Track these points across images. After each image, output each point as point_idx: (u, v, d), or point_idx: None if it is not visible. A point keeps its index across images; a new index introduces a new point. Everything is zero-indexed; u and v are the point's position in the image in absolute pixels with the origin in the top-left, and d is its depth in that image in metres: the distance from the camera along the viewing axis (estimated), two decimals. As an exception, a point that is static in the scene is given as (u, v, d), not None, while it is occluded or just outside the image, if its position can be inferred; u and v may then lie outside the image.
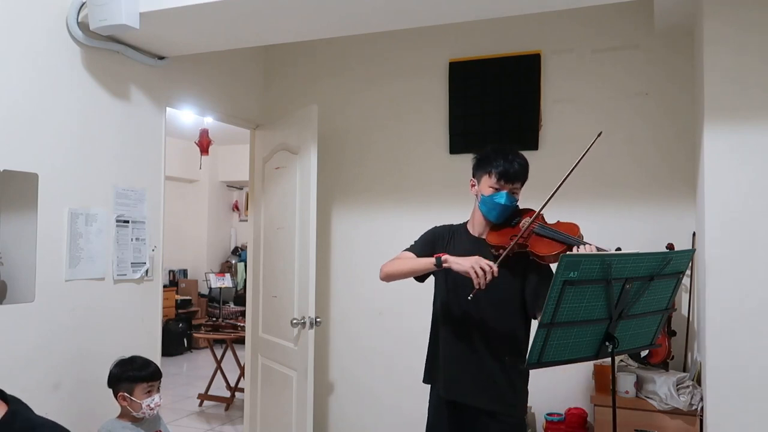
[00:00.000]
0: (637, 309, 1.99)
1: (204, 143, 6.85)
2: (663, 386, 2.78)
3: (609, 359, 2.09)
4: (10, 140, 2.43)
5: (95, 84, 2.82)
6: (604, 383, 2.94)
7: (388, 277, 2.25)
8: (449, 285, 2.25)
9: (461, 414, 2.24)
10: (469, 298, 2.00)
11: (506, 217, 2.21)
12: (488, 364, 2.19)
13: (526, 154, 3.39)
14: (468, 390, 2.21)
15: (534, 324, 2.19)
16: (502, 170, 2.15)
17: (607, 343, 1.97)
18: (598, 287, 1.84)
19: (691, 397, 2.72)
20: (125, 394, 2.38)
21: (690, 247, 3.03)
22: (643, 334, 2.12)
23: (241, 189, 9.86)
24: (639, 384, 2.89)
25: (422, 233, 2.38)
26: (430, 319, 2.39)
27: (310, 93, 4.06)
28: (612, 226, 3.27)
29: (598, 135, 2.05)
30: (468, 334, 2.21)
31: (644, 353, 2.99)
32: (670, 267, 1.95)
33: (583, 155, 2.03)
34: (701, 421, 2.69)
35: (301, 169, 3.44)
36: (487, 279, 1.96)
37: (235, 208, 9.95)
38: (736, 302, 2.47)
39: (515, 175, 2.17)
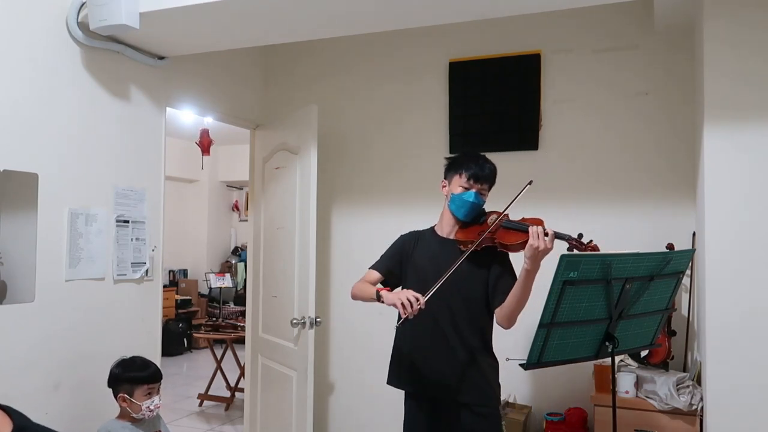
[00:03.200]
0: (637, 309, 1.99)
1: (205, 143, 6.85)
2: (663, 386, 2.78)
3: (609, 359, 2.09)
4: (10, 140, 2.43)
5: (95, 84, 2.82)
6: (604, 383, 2.93)
7: (354, 299, 2.43)
8: (414, 285, 2.29)
9: (437, 408, 2.30)
10: (396, 325, 2.18)
11: (473, 216, 2.33)
12: (460, 357, 2.26)
13: (526, 154, 3.46)
14: (442, 384, 2.27)
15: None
16: (473, 171, 2.30)
17: (607, 343, 1.97)
18: (598, 287, 1.85)
19: (691, 397, 2.72)
20: (125, 395, 2.37)
21: (690, 247, 3.03)
22: (643, 334, 2.12)
23: (241, 189, 9.86)
24: (639, 384, 2.89)
25: (390, 244, 2.52)
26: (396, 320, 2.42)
27: (310, 93, 4.06)
28: (612, 226, 3.27)
29: (529, 183, 2.20)
30: (438, 329, 2.29)
31: (644, 353, 2.99)
32: (670, 267, 1.96)
33: (515, 198, 2.20)
34: (701, 421, 2.69)
35: (301, 169, 3.44)
36: (414, 309, 2.05)
37: (235, 208, 9.96)
38: (736, 302, 2.47)
39: (485, 177, 2.31)
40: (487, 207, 2.38)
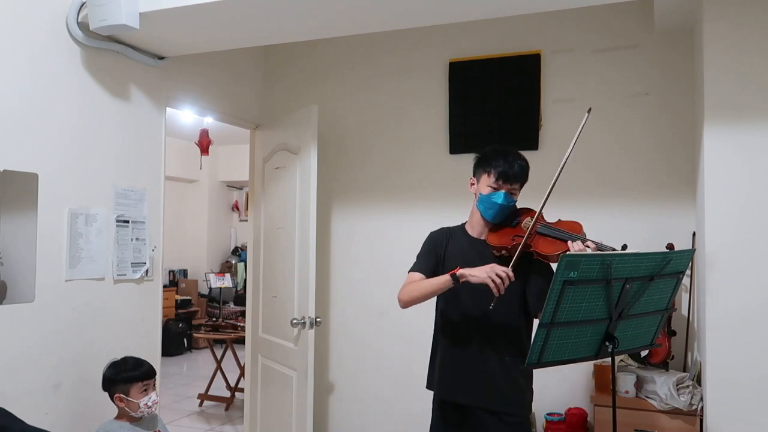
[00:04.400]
0: (637, 309, 1.99)
1: (204, 143, 6.85)
2: (663, 386, 2.78)
3: (609, 359, 2.09)
4: (11, 140, 2.43)
5: (95, 84, 2.82)
6: (604, 383, 2.94)
7: (408, 305, 2.21)
8: (450, 289, 2.24)
9: (465, 415, 2.23)
10: (490, 307, 1.99)
11: (504, 217, 2.21)
12: (490, 365, 2.18)
13: (526, 154, 3.42)
14: (471, 391, 2.20)
15: (536, 323, 2.21)
16: (502, 170, 2.15)
17: (607, 343, 1.97)
18: (598, 287, 1.84)
19: (691, 397, 2.72)
20: (121, 395, 2.38)
21: (690, 247, 3.03)
22: (643, 334, 2.12)
23: (241, 189, 9.86)
24: (639, 384, 2.89)
25: (422, 244, 2.36)
26: (433, 325, 2.37)
27: (310, 93, 4.06)
28: (612, 227, 3.27)
29: (589, 111, 2.02)
30: (470, 336, 2.21)
31: (644, 353, 2.99)
32: (670, 267, 1.95)
33: (578, 135, 2.01)
34: (701, 421, 2.69)
35: (301, 169, 3.44)
36: (505, 284, 1.95)
37: (235, 208, 9.96)
38: (736, 302, 2.47)
39: (514, 176, 2.16)
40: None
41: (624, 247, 1.94)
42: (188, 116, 6.18)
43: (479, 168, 2.25)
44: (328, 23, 2.76)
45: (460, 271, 2.03)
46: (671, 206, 3.20)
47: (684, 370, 3.05)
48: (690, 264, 2.94)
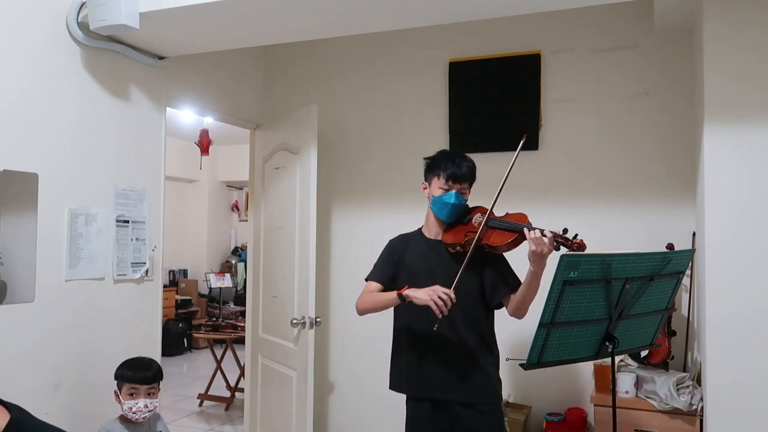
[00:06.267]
0: (637, 309, 2.00)
1: (204, 143, 6.85)
2: (663, 386, 2.78)
3: (609, 359, 2.09)
4: (11, 140, 2.43)
5: (95, 84, 2.82)
6: (604, 383, 2.94)
7: (364, 314, 2.36)
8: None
9: (440, 409, 2.30)
10: (434, 329, 2.09)
11: (457, 216, 2.32)
12: (460, 358, 2.27)
13: (526, 154, 3.46)
14: (444, 385, 2.28)
15: (497, 313, 2.34)
16: (451, 172, 2.28)
17: (607, 343, 1.97)
18: (598, 287, 1.85)
19: (691, 397, 2.72)
20: (116, 390, 2.38)
21: (690, 247, 3.03)
22: (643, 334, 2.12)
23: (241, 189, 9.86)
24: (639, 384, 2.89)
25: (380, 252, 2.48)
26: (393, 324, 2.44)
27: (310, 93, 4.06)
28: (612, 227, 3.27)
29: (523, 139, 2.24)
30: (438, 333, 2.26)
31: (644, 353, 2.99)
32: (670, 267, 1.96)
33: (515, 159, 2.19)
34: (701, 421, 2.69)
35: (301, 169, 3.44)
36: (448, 306, 2.04)
37: (235, 208, 9.96)
38: (736, 302, 2.47)
39: (463, 176, 2.29)
40: (480, 200, 2.36)
41: (565, 230, 1.99)
42: (188, 116, 6.17)
43: (429, 172, 2.36)
44: (328, 23, 2.77)
45: (405, 292, 2.15)
46: (671, 206, 3.20)
47: (684, 370, 3.05)
48: (690, 264, 2.94)
